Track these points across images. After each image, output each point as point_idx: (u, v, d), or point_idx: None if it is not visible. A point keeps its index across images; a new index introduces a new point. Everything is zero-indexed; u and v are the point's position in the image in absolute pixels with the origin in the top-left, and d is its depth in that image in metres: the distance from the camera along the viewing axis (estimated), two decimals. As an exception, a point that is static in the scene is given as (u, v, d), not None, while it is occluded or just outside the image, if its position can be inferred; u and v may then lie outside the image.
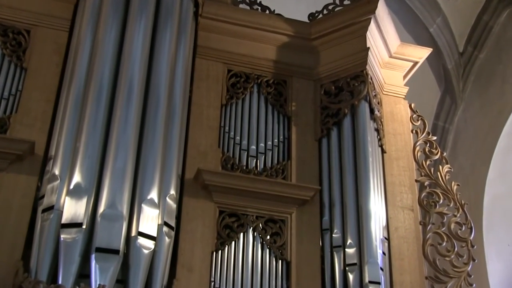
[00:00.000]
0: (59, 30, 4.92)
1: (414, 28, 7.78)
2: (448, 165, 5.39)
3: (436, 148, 5.45)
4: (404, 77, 5.85)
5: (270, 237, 4.71)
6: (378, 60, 5.62)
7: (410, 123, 5.57)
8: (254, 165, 4.98)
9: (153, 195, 4.13)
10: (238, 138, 5.05)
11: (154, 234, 4.06)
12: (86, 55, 4.55)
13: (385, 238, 4.90)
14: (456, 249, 5.03)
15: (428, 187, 5.29)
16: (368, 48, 5.30)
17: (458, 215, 5.18)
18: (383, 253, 4.76)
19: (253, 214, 4.73)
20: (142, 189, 4.13)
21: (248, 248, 4.59)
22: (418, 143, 5.45)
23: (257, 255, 4.59)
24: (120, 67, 4.45)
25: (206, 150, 4.88)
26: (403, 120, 5.54)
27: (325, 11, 5.57)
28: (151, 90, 4.47)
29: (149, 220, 4.06)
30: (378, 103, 5.44)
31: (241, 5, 5.60)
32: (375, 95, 5.36)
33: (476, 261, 5.07)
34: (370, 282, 4.52)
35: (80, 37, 4.65)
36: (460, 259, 5.02)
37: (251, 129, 5.12)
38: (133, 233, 4.00)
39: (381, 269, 4.62)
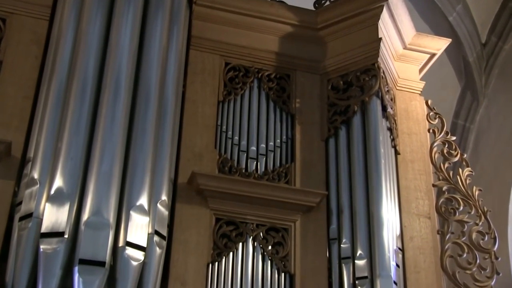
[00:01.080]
0: (39, 19, 4.93)
1: (431, 17, 7.80)
2: (469, 168, 5.40)
3: (455, 150, 5.47)
4: (420, 70, 5.87)
5: (272, 247, 4.72)
6: (391, 52, 5.63)
7: (427, 122, 5.58)
8: (254, 168, 4.99)
9: (143, 201, 4.14)
10: (236, 138, 5.06)
11: (144, 244, 4.07)
12: (69, 46, 4.56)
13: (399, 248, 4.91)
14: (478, 261, 5.03)
15: (446, 193, 5.29)
16: (380, 38, 5.32)
17: (480, 223, 5.18)
18: (397, 265, 4.77)
19: (253, 222, 4.74)
20: (131, 194, 4.14)
21: (247, 260, 4.60)
22: (435, 144, 5.47)
23: (258, 267, 4.60)
24: (106, 60, 4.47)
25: (201, 151, 4.89)
26: (419, 119, 5.56)
27: (332, -2, 5.60)
28: (140, 86, 4.48)
29: (138, 228, 4.07)
30: (391, 100, 5.45)
31: (240, -9, 5.62)
32: (387, 91, 5.38)
33: (500, 274, 5.08)
34: (382, 297, 4.54)
35: (61, 26, 4.66)
36: (482, 272, 5.02)
37: (251, 128, 5.13)
38: (121, 243, 4.01)
39: (395, 283, 4.63)
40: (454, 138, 5.56)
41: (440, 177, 5.34)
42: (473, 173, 5.41)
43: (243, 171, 4.96)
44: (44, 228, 3.97)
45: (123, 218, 4.08)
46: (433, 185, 5.32)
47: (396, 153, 5.32)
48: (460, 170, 5.38)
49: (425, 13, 7.76)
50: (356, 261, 4.68)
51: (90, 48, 4.48)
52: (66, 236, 3.95)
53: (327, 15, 5.52)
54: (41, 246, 3.90)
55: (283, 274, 4.65)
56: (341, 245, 4.79)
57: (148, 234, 4.12)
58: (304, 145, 5.17)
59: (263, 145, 5.09)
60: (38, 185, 4.12)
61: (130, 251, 4.00)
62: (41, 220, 4.00)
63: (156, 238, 4.15)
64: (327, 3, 5.61)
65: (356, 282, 4.63)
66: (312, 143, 5.20)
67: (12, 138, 4.44)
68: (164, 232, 4.26)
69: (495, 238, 5.13)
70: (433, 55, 5.83)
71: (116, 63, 4.42)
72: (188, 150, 4.87)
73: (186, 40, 5.09)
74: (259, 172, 4.99)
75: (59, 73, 4.47)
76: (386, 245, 4.68)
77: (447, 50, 6.24)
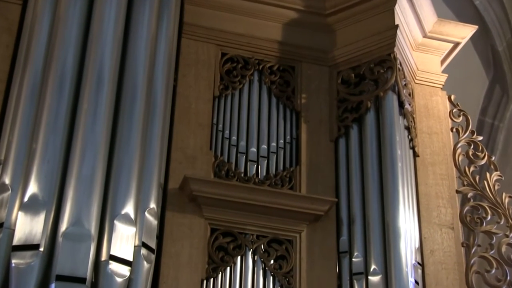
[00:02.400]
0: (10, 3, 4.94)
1: (455, 1, 7.80)
2: (498, 172, 5.41)
3: (482, 151, 5.48)
4: (442, 62, 5.88)
5: (274, 261, 4.73)
6: (410, 41, 5.64)
7: (450, 120, 5.59)
8: (254, 172, 5.01)
9: (129, 209, 4.15)
10: (234, 138, 5.07)
11: (130, 258, 4.08)
12: (45, 34, 4.57)
13: (418, 263, 4.92)
14: (508, 277, 5.04)
15: (472, 200, 5.31)
16: (397, 25, 5.33)
17: (511, 235, 5.19)
18: (416, 282, 4.77)
19: (253, 233, 4.75)
20: (115, 201, 4.15)
21: (247, 275, 4.61)
22: (459, 145, 5.47)
23: (258, 284, 4.61)
24: (87, 50, 4.48)
25: (194, 153, 4.90)
26: (440, 116, 5.57)
27: (343, -20, 5.61)
28: (125, 79, 4.49)
29: (124, 240, 4.08)
30: (409, 95, 5.47)
31: (238, -27, 5.63)
32: (405, 85, 5.39)
33: (532, 292, 5.09)
34: (399, 318, 4.56)
35: (36, 11, 4.67)
36: (513, 289, 5.04)
37: (251, 127, 5.14)
38: (104, 257, 4.02)
39: (413, 302, 4.66)
40: (480, 138, 5.57)
41: (465, 183, 5.35)
42: (503, 178, 5.41)
43: (242, 175, 4.97)
44: (16, 240, 3.97)
45: (106, 228, 4.09)
46: (457, 192, 5.33)
47: (415, 155, 5.33)
48: (488, 175, 5.39)
49: (448, -4, 7.77)
50: (369, 277, 4.69)
51: (69, 36, 4.49)
52: (41, 249, 3.96)
53: (336, -1, 5.56)
54: (13, 261, 3.91)
55: (287, 291, 4.68)
56: (353, 259, 4.80)
57: (135, 246, 4.13)
58: (311, 146, 5.18)
59: (265, 146, 5.10)
60: (10, 192, 4.13)
61: (114, 265, 4.01)
62: (13, 231, 4.00)
63: (143, 251, 4.16)
64: (337, -15, 5.64)
65: (370, 300, 4.67)
66: (320, 143, 5.21)
67: (-20, 138, 4.45)
68: (153, 244, 4.27)
69: (527, 252, 5.15)
70: (457, 44, 5.84)
71: (98, 53, 4.43)
72: (180, 151, 4.88)
73: (177, 28, 5.09)
74: (259, 176, 5.00)
75: (34, 65, 4.49)
76: (404, 259, 4.68)
77: (473, 39, 6.25)
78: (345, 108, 5.29)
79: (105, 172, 4.20)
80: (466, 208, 5.24)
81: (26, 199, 4.06)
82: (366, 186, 4.97)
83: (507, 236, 5.18)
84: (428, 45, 5.76)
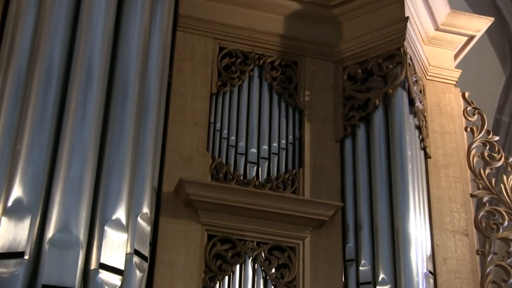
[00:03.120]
0: (-7, -6, 4.96)
1: (469, -9, 7.81)
2: (515, 175, 5.42)
3: (498, 152, 5.48)
4: (456, 56, 5.88)
5: (275, 270, 4.74)
6: (421, 34, 5.64)
7: (464, 119, 5.60)
8: (254, 174, 5.01)
9: (120, 214, 4.15)
10: (233, 138, 5.08)
11: (121, 266, 4.07)
12: (30, 26, 4.56)
13: (430, 272, 4.92)
14: (526, 287, 5.06)
15: (487, 204, 5.31)
16: (407, 18, 5.33)
17: (530, 242, 5.21)
18: (428, 292, 4.80)
19: (253, 240, 4.76)
20: (105, 206, 4.15)
21: (246, 285, 4.62)
22: (474, 145, 5.48)
23: (259, 295, 4.63)
24: (76, 43, 4.47)
25: (190, 154, 4.91)
26: (454, 115, 5.58)
27: (349, -31, 5.62)
28: (117, 75, 4.49)
29: (115, 247, 4.08)
30: (420, 92, 5.47)
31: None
32: (416, 81, 5.39)
33: (552, 303, 5.10)
34: (410, 331, 4.57)
35: (21, 2, 4.66)
36: (531, 300, 5.05)
37: (251, 127, 5.15)
38: (93, 266, 4.02)
39: (425, 314, 4.67)
40: (497, 138, 5.57)
41: (480, 186, 5.35)
42: (520, 181, 5.43)
43: (241, 178, 4.97)
44: None
45: (95, 235, 4.09)
46: (471, 195, 5.33)
47: (426, 156, 5.34)
48: (504, 177, 5.39)
49: (462, -14, 7.77)
50: (378, 287, 4.70)
51: (56, 28, 4.48)
52: (26, 257, 3.95)
53: (342, -11, 5.57)
54: (-3, 269, 3.92)
55: (289, 302, 4.69)
56: (360, 268, 4.81)
57: (126, 254, 4.13)
58: (315, 146, 5.19)
59: (265, 147, 5.11)
60: (-7, 195, 4.14)
61: (104, 274, 4.00)
62: (-4, 237, 4.02)
63: (135, 259, 4.16)
64: (343, -25, 5.64)
65: (378, 312, 4.68)
66: (324, 144, 5.22)
67: (-40, 138, 4.45)
68: (146, 251, 4.27)
69: (547, 260, 5.16)
70: (471, 37, 5.84)
71: (87, 47, 4.43)
72: (175, 152, 4.89)
73: (172, 20, 5.09)
74: (260, 179, 5.01)
75: (18, 60, 4.47)
76: (414, 268, 4.69)
77: (488, 31, 6.26)
78: (351, 106, 5.30)
79: (95, 174, 4.19)
80: (481, 213, 5.25)
81: (9, 203, 4.05)
82: (374, 190, 4.97)
83: (526, 243, 5.19)
84: (441, 38, 5.77)
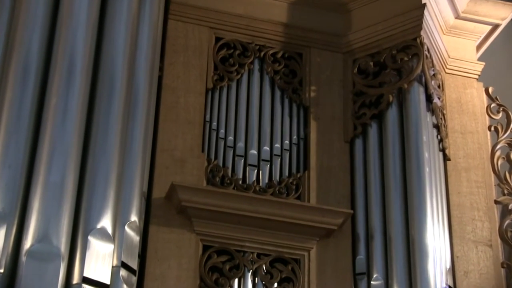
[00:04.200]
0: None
1: (493, -25, 7.80)
2: (545, 179, 5.42)
3: (526, 154, 5.49)
4: (478, 48, 5.88)
5: (278, 284, 4.74)
6: (439, 22, 5.65)
7: (487, 117, 5.60)
8: (254, 178, 5.02)
9: (105, 222, 4.15)
10: (231, 138, 5.08)
11: (107, 280, 4.07)
12: (5, 15, 4.56)
13: (450, 287, 4.93)
14: (555, 303, 5.06)
15: (514, 212, 5.32)
16: (424, 4, 5.33)
17: (559, 253, 5.21)
18: (447, 309, 4.82)
19: (253, 251, 4.77)
20: (89, 213, 4.15)
21: (245, 302, 4.64)
22: (498, 146, 5.48)
23: (259, 312, 4.64)
24: (56, 34, 4.48)
25: (183, 156, 4.92)
26: (476, 112, 5.58)
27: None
28: (101, 68, 4.49)
29: (99, 260, 4.08)
30: (439, 87, 5.47)
31: None
32: (434, 75, 5.40)
33: None
34: None
35: (-4, -11, 4.69)
36: (561, 318, 5.05)
37: (251, 126, 5.16)
38: (76, 280, 4.02)
39: (444, 333, 4.68)
40: (524, 138, 5.59)
41: (505, 191, 5.35)
42: (550, 186, 5.43)
43: (240, 182, 4.98)
44: (-28, 259, 3.99)
45: (78, 245, 4.09)
46: (496, 202, 5.34)
47: (446, 158, 5.35)
48: (532, 182, 5.41)
49: (485, -30, 7.77)
50: (391, 304, 4.73)
51: (34, 16, 4.48)
52: (1, 270, 3.96)
53: (352, -27, 5.58)
54: (-31, 284, 3.93)
55: (293, 320, 4.71)
56: (372, 282, 4.82)
57: (113, 267, 4.13)
58: (322, 147, 5.19)
59: (267, 148, 5.11)
60: (-36, 202, 4.14)
61: (88, 289, 4.02)
62: (-32, 249, 4.02)
63: (123, 272, 4.16)
64: (352, -43, 5.65)
65: (392, 331, 4.69)
66: (332, 145, 5.23)
67: None
68: (134, 264, 4.27)
69: None
70: (495, 26, 5.84)
71: (69, 37, 4.42)
72: (167, 154, 4.89)
73: (163, 7, 5.10)
74: (261, 184, 5.02)
75: (-7, 52, 4.50)
76: (432, 283, 4.69)
77: (515, 19, 6.26)
78: (362, 103, 5.31)
79: (78, 178, 4.20)
80: (507, 222, 5.25)
81: (-17, 211, 4.07)
82: (387, 195, 4.98)
83: (556, 255, 5.19)
84: (462, 27, 5.77)
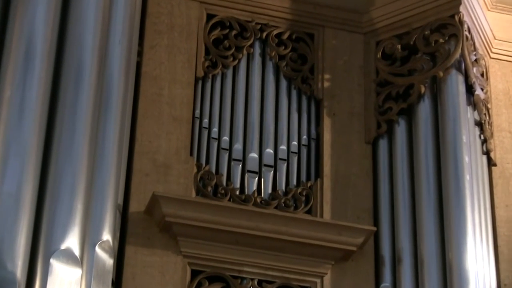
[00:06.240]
0: None
1: None
2: None
3: None
4: (531, 27, 5.91)
5: (284, 319, 4.79)
6: (483, -4, 5.68)
7: (542, 112, 5.63)
8: (255, 187, 5.03)
9: (71, 242, 4.16)
10: (226, 138, 5.10)
11: (73, 313, 4.12)
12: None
13: (495, 321, 4.97)
14: None
15: None
16: (464, -27, 5.38)
17: None
18: None
19: (254, 278, 4.78)
20: (51, 232, 4.16)
21: None
22: (556, 149, 5.51)
23: None
24: (11, 12, 4.50)
25: (168, 160, 4.93)
26: (527, 107, 5.61)
27: None
28: (66, 53, 4.50)
29: (64, 287, 4.11)
30: (482, 75, 5.48)
31: None
32: (476, 61, 5.41)
33: None
34: None
35: None
36: None
37: (250, 124, 5.18)
38: (35, 312, 4.06)
39: None
40: None
41: None
42: None
43: (237, 193, 4.99)
44: None
45: (38, 270, 4.10)
46: (552, 217, 5.37)
47: (490, 163, 5.37)
48: None
49: None
50: None
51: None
52: None
53: None
54: None
55: None
56: (399, 315, 4.86)
57: (80, 296, 4.16)
58: (337, 150, 5.21)
59: (270, 151, 5.13)
60: None
61: (50, 324, 4.04)
62: None
63: (93, 303, 4.20)
64: None
65: None
66: (351, 147, 5.25)
67: None
68: (107, 293, 4.30)
69: None
70: (551, 1, 5.87)
71: (27, 16, 4.44)
72: (147, 158, 4.91)
73: (143, -23, 5.15)
74: (263, 195, 5.03)
75: None
76: (474, 316, 4.74)
77: None
78: (387, 95, 5.33)
79: (37, 188, 4.21)
80: None
81: None
82: (418, 210, 4.99)
83: None
84: (510, 2, 5.77)
